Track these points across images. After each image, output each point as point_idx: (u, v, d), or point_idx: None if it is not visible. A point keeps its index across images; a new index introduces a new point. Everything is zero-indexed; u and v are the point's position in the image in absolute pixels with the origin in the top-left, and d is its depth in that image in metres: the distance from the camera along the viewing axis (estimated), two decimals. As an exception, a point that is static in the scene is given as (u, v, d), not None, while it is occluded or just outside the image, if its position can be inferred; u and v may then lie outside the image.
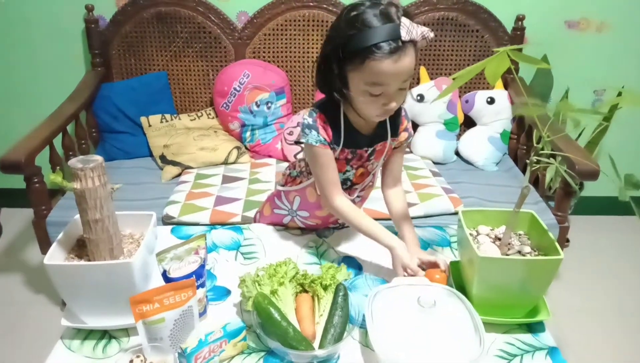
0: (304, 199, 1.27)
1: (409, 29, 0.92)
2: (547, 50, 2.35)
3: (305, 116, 1.11)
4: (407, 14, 0.95)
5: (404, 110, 1.21)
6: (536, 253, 1.00)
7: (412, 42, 0.94)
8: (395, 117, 1.17)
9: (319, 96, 1.13)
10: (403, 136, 1.22)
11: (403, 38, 0.92)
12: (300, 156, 1.83)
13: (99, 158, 0.90)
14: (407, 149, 2.39)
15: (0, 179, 2.24)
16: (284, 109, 2.30)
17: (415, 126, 2.37)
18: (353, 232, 1.32)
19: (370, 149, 1.17)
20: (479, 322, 0.90)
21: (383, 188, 1.27)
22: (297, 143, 1.14)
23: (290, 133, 2.24)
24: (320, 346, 0.92)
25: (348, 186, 1.23)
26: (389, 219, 1.27)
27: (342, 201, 1.15)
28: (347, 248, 1.26)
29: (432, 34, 0.96)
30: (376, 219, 1.39)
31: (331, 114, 1.11)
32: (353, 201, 1.26)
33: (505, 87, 2.33)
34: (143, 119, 2.26)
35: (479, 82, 2.37)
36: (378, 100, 1.00)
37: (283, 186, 1.33)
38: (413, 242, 1.17)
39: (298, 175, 1.29)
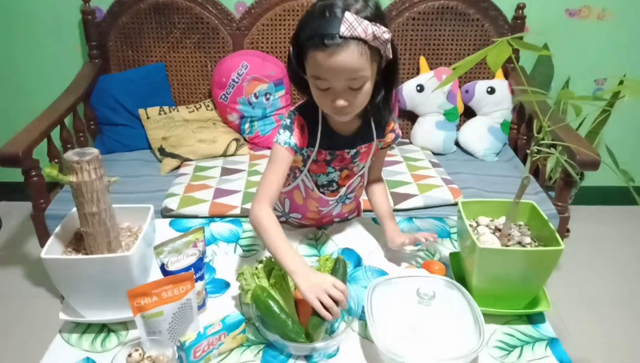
0: (293, 202, 1.26)
1: (352, 25, 0.87)
2: (548, 39, 2.33)
3: (285, 116, 1.11)
4: (362, 11, 0.90)
5: (392, 114, 1.15)
6: (536, 243, 1.00)
7: (358, 39, 0.89)
8: (380, 120, 1.14)
9: None
10: (390, 137, 1.20)
11: (342, 33, 0.88)
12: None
13: (95, 151, 0.89)
14: (407, 140, 2.38)
15: (-2, 172, 2.23)
16: (282, 101, 2.29)
17: (414, 116, 2.36)
18: (352, 224, 1.32)
19: (352, 151, 1.15)
20: (478, 313, 0.90)
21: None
22: None
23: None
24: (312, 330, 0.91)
25: (334, 188, 1.21)
26: None
27: (261, 210, 1.04)
28: (346, 239, 1.26)
29: (388, 35, 0.91)
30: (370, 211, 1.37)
31: (310, 115, 1.09)
32: (345, 204, 1.26)
33: (506, 76, 2.32)
34: (141, 111, 2.25)
35: (479, 72, 2.36)
36: (326, 95, 0.97)
37: None
38: (395, 232, 1.19)
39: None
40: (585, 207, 2.67)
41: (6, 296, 2.09)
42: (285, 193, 1.26)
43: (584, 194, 2.59)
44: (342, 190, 1.21)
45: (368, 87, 0.97)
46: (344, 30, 0.87)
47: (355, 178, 1.20)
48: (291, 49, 1.00)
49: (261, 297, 0.93)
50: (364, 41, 0.89)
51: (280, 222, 1.33)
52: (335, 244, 1.24)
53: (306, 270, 0.94)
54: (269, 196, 1.06)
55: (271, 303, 0.92)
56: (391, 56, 0.97)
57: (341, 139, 1.13)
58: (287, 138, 1.07)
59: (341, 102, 0.97)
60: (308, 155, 1.13)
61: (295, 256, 0.98)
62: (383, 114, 1.09)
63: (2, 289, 2.13)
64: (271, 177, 1.07)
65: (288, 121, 1.09)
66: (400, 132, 1.23)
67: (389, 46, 0.95)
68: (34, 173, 1.74)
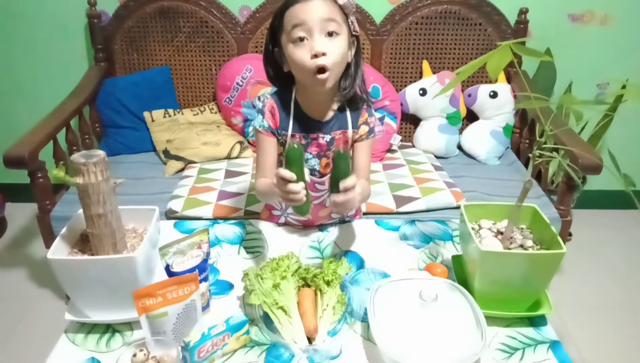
0: None
1: None
2: (551, 43, 2.34)
3: (258, 101, 1.20)
4: None
5: (368, 105, 1.22)
6: (538, 247, 1.00)
7: None
8: (355, 110, 1.21)
9: None
10: (363, 129, 1.22)
11: None
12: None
13: (101, 153, 0.90)
14: (409, 144, 2.39)
15: (4, 174, 2.25)
16: (286, 104, 2.30)
17: (417, 120, 2.37)
18: (355, 227, 1.32)
19: (327, 137, 1.19)
20: (480, 315, 0.90)
21: None
22: None
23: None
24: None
25: (318, 176, 1.24)
26: (391, 213, 1.27)
27: (258, 181, 1.21)
28: (349, 242, 1.26)
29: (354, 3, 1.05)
30: (378, 213, 1.39)
31: (283, 100, 1.18)
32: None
33: (508, 81, 2.32)
34: (146, 114, 2.26)
35: (482, 76, 2.36)
36: (304, 49, 1.04)
37: None
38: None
39: None
40: (587, 211, 2.67)
41: (12, 296, 2.11)
42: None
43: (586, 198, 2.59)
44: (327, 181, 1.24)
45: (343, 43, 1.06)
46: None
47: None
48: (267, 37, 1.13)
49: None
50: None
51: (280, 223, 1.36)
52: (338, 247, 1.25)
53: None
54: (263, 172, 1.19)
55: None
56: (357, 30, 1.11)
57: (314, 123, 1.19)
58: (260, 121, 1.18)
59: (320, 47, 1.03)
60: (285, 140, 1.19)
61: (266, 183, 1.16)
62: (356, 93, 1.17)
63: (7, 290, 2.14)
64: (261, 158, 1.21)
65: (260, 105, 1.18)
66: (378, 128, 1.27)
67: (354, 18, 1.09)
68: (39, 175, 1.76)
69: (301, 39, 1.05)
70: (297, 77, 1.13)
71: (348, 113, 1.20)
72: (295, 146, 1.02)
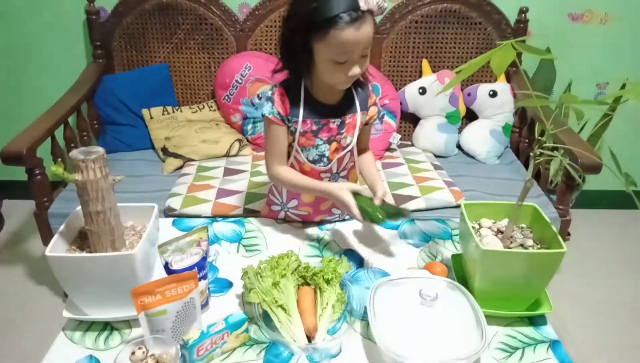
0: None
1: (366, 0, 0.99)
2: (550, 42, 2.34)
3: (267, 89, 1.18)
4: None
5: (371, 85, 1.26)
6: (539, 246, 1.00)
7: (370, 11, 1.01)
8: (362, 91, 1.23)
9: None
10: (373, 110, 1.26)
11: (362, 8, 0.99)
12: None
13: (100, 150, 0.90)
14: (409, 143, 2.38)
15: (2, 171, 2.24)
16: (285, 102, 2.29)
17: (417, 119, 2.37)
18: (355, 225, 1.32)
19: (337, 121, 1.20)
20: (481, 314, 0.90)
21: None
22: None
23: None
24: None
25: (325, 163, 1.24)
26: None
27: (279, 168, 1.22)
28: (348, 240, 1.26)
29: (386, 4, 1.03)
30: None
31: (292, 88, 1.17)
32: (336, 179, 1.29)
33: (508, 80, 2.32)
34: (145, 112, 2.25)
35: (482, 75, 2.36)
36: (343, 68, 1.06)
37: None
38: (382, 187, 1.21)
39: None
40: (585, 210, 2.68)
41: (9, 294, 2.10)
42: None
43: (584, 198, 2.59)
44: (334, 167, 1.25)
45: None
46: (362, 4, 0.99)
47: (345, 153, 1.24)
48: (292, 37, 1.07)
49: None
50: (372, 12, 1.02)
51: (280, 218, 1.35)
52: (338, 245, 1.25)
53: (330, 186, 1.18)
54: (277, 159, 1.22)
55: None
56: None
57: (325, 108, 1.19)
58: (270, 108, 1.17)
59: (357, 71, 1.07)
60: (295, 128, 1.18)
61: (320, 183, 1.21)
62: (364, 80, 1.22)
63: (5, 287, 2.14)
64: (272, 146, 1.21)
65: (269, 93, 1.18)
66: (381, 108, 1.29)
67: None
68: (37, 172, 1.75)
69: (342, 62, 1.05)
70: (322, 78, 1.12)
71: (355, 95, 1.21)
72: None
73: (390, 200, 1.24)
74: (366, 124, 1.28)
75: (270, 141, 1.21)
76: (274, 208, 1.38)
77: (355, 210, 1.11)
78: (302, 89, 1.17)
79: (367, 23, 1.02)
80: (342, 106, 1.21)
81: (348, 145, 1.23)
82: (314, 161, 1.23)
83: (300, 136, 1.19)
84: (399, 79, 2.37)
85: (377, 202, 1.14)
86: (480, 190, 1.96)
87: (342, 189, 1.14)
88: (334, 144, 1.23)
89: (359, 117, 1.22)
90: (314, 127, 1.19)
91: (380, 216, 1.10)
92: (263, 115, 1.18)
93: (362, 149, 1.32)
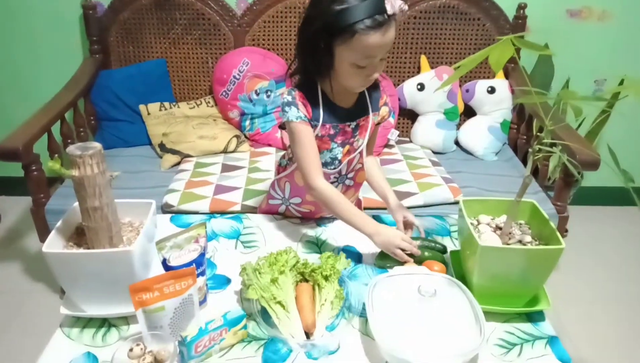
0: (294, 184, 1.29)
1: (393, 4, 0.98)
2: (549, 39, 2.33)
3: (284, 95, 1.14)
4: None
5: (381, 85, 1.25)
6: (537, 242, 1.00)
7: (394, 15, 1.00)
8: (374, 92, 1.22)
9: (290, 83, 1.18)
10: (384, 110, 1.26)
11: (388, 12, 0.98)
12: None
13: (97, 145, 0.89)
14: (407, 139, 2.38)
15: (-2, 167, 2.23)
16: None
17: (415, 115, 2.36)
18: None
19: (353, 124, 1.19)
20: (479, 311, 0.90)
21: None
22: (282, 127, 1.15)
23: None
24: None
25: (336, 166, 1.23)
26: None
27: (324, 183, 1.15)
28: (347, 237, 1.26)
29: (406, 7, 1.02)
30: (377, 208, 1.39)
31: (309, 92, 1.14)
32: (346, 185, 1.28)
33: (506, 76, 2.32)
34: (142, 107, 2.24)
35: (480, 71, 2.36)
36: (363, 72, 1.06)
37: (277, 176, 1.35)
38: (397, 203, 1.24)
39: (288, 163, 1.31)
40: (583, 207, 2.68)
41: (6, 291, 2.09)
42: (286, 177, 1.28)
43: (582, 194, 2.60)
44: (343, 168, 1.23)
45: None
46: (389, 9, 0.98)
47: (355, 154, 1.23)
48: (313, 40, 1.04)
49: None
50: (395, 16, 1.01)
51: (279, 213, 1.35)
52: (336, 241, 1.24)
53: (380, 229, 1.12)
54: (317, 168, 1.15)
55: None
56: None
57: (342, 112, 1.18)
58: (297, 113, 1.12)
59: (377, 74, 1.08)
60: (315, 133, 1.16)
61: (369, 219, 1.15)
62: (377, 85, 1.22)
63: (1, 284, 2.13)
64: (306, 153, 1.14)
65: (289, 97, 1.13)
66: (392, 107, 1.29)
67: None
68: (34, 168, 1.74)
69: (363, 66, 1.05)
70: (340, 81, 1.11)
71: (367, 97, 1.20)
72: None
73: (401, 209, 1.24)
74: (377, 124, 1.27)
75: (304, 148, 1.14)
76: (272, 202, 1.37)
77: (403, 256, 1.11)
78: (320, 92, 1.14)
79: (392, 28, 1.01)
80: (357, 109, 1.19)
81: (359, 147, 1.23)
82: (325, 164, 1.21)
83: (317, 139, 1.16)
84: (397, 75, 2.37)
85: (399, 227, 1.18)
86: (478, 186, 1.96)
87: (397, 237, 1.11)
88: (347, 147, 1.22)
89: (371, 118, 1.21)
90: (332, 131, 1.17)
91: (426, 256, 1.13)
92: (290, 121, 1.12)
93: (370, 151, 1.30)
